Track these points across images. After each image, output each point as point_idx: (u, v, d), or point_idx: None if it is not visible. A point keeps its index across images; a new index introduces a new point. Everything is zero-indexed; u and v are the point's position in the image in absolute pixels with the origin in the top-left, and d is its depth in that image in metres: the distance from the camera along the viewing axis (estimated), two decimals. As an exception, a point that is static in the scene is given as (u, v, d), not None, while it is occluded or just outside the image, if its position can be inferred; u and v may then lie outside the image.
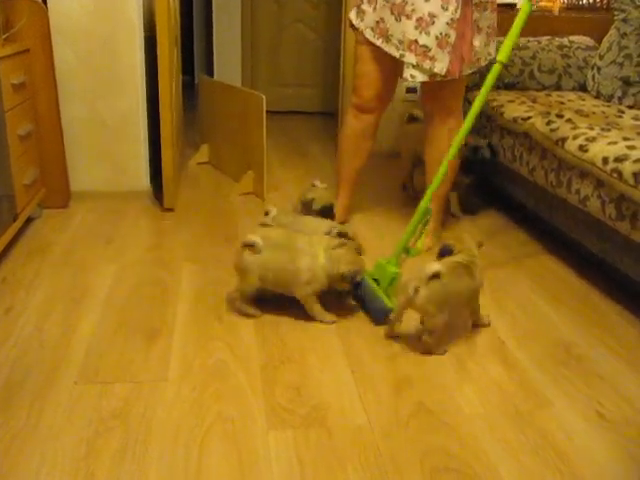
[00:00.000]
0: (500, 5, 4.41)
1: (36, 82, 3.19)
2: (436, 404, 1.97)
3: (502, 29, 4.26)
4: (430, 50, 2.75)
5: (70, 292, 2.56)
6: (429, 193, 2.52)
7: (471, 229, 3.35)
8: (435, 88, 2.95)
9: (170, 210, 3.43)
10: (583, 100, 3.57)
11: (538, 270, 2.90)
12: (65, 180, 3.42)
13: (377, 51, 2.92)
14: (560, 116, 3.00)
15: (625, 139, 2.60)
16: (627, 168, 2.40)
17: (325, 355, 2.20)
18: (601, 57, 3.72)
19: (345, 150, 3.29)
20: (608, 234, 2.57)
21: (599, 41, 3.89)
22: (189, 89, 5.96)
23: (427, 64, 2.78)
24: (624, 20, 3.63)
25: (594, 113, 3.17)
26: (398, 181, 4.00)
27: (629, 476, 1.71)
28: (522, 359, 2.23)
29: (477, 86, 3.59)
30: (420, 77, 2.82)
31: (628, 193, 2.38)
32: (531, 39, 3.99)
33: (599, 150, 2.58)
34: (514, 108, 3.33)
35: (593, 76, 3.76)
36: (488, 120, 3.52)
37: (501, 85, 3.81)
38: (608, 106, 3.43)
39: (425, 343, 2.21)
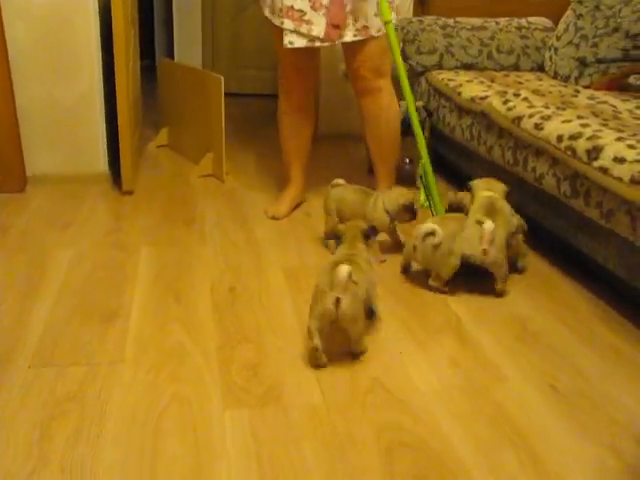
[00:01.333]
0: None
1: (-12, 64, 3.13)
2: (391, 380, 1.98)
3: (459, 10, 4.30)
4: (305, 14, 2.78)
5: (26, 276, 2.53)
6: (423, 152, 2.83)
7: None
8: (354, 53, 2.94)
9: (129, 193, 3.40)
10: (540, 80, 3.60)
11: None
12: (21, 164, 3.37)
13: (276, 27, 2.91)
14: (517, 95, 3.02)
15: (579, 117, 2.63)
16: (581, 145, 2.42)
17: (282, 334, 2.20)
18: (558, 38, 3.75)
19: (287, 136, 3.28)
20: (563, 211, 2.60)
21: (557, 22, 3.92)
22: (150, 73, 5.89)
23: (304, 28, 2.79)
24: (579, 1, 3.66)
25: (550, 93, 3.20)
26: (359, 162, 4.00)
27: (582, 447, 1.74)
28: (477, 334, 2.25)
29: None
30: (299, 42, 2.82)
31: (582, 170, 2.40)
32: (489, 20, 4.01)
33: (554, 128, 2.60)
34: (472, 88, 3.34)
35: (550, 57, 3.78)
36: (447, 100, 3.53)
37: (459, 65, 3.83)
38: (565, 86, 3.46)
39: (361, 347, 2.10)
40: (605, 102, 3.03)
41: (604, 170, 2.29)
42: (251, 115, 5.33)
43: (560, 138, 2.53)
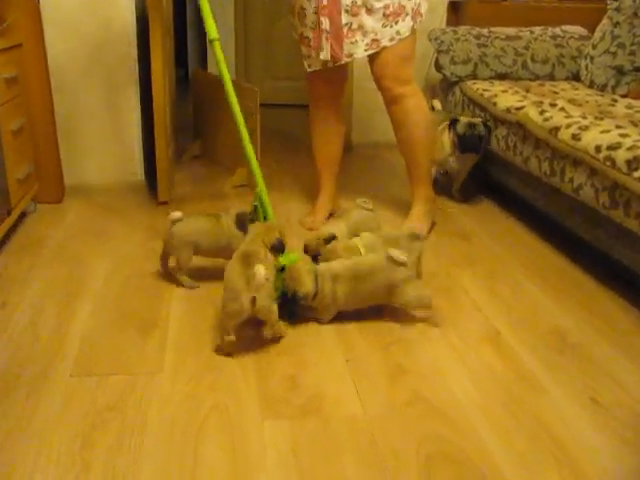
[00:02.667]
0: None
1: (29, 76, 3.18)
2: (431, 392, 1.97)
3: (494, 19, 4.28)
4: (311, 40, 2.91)
5: (64, 286, 2.56)
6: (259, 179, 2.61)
7: (464, 217, 3.35)
8: (371, 69, 2.98)
9: (164, 203, 3.43)
10: (576, 89, 3.58)
11: (532, 258, 2.90)
12: (59, 175, 3.42)
13: None
14: (553, 105, 3.00)
15: (618, 127, 2.60)
16: (620, 156, 2.40)
17: (320, 347, 2.20)
18: (594, 46, 3.72)
19: (316, 140, 3.31)
20: (601, 222, 2.57)
21: (592, 30, 3.89)
22: (183, 82, 5.94)
23: (314, 53, 2.92)
24: (617, 9, 3.63)
25: (587, 102, 3.17)
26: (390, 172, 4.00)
27: (623, 460, 1.72)
28: (516, 346, 2.23)
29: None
30: (314, 66, 2.97)
31: (621, 181, 2.38)
32: (524, 29, 3.99)
33: (592, 138, 2.58)
34: (507, 98, 3.33)
35: (586, 66, 3.76)
36: (482, 110, 3.52)
37: (494, 75, 3.81)
38: (601, 95, 3.43)
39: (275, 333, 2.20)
40: (643, 111, 3.00)
41: (645, 181, 2.27)
42: (284, 125, 5.35)
43: (598, 148, 2.51)
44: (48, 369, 2.04)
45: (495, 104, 3.36)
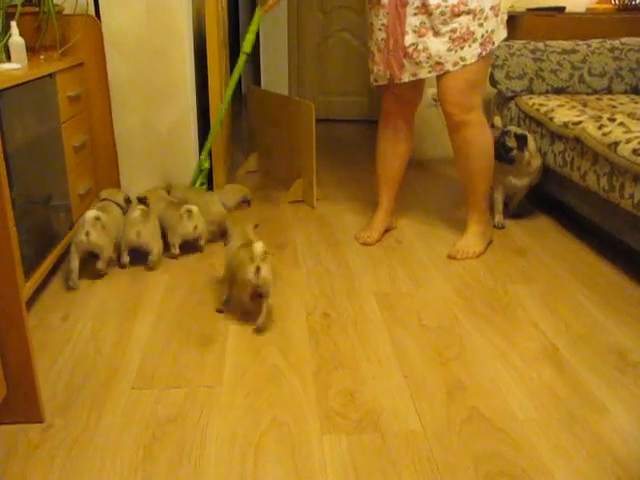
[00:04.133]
0: (549, 9, 4.41)
1: (90, 94, 3.27)
2: (489, 409, 1.96)
3: (549, 32, 4.25)
4: (375, 56, 2.97)
5: (125, 300, 2.61)
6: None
7: (520, 234, 3.32)
8: (447, 89, 2.89)
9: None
10: (636, 103, 3.53)
11: (590, 275, 2.86)
12: (119, 189, 3.48)
13: None
14: (612, 120, 2.96)
15: (680, 142, 2.57)
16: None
17: (377, 360, 2.21)
18: (653, 59, 3.67)
19: (380, 156, 3.34)
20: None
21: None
22: (237, 98, 6.01)
23: (377, 69, 2.98)
24: (676, 21, 3.58)
25: (647, 116, 3.13)
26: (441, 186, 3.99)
27: (689, 483, 1.69)
28: (575, 364, 2.20)
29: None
30: (380, 81, 3.00)
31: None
32: (580, 42, 3.96)
33: (652, 153, 2.54)
34: (564, 113, 3.30)
35: (645, 79, 3.71)
36: (538, 125, 3.50)
37: (550, 90, 3.78)
38: (661, 108, 3.38)
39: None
40: None
41: None
42: (338, 140, 5.39)
43: (660, 163, 2.48)
44: (110, 381, 2.08)
45: (552, 119, 3.33)
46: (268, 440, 1.81)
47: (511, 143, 3.31)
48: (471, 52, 2.78)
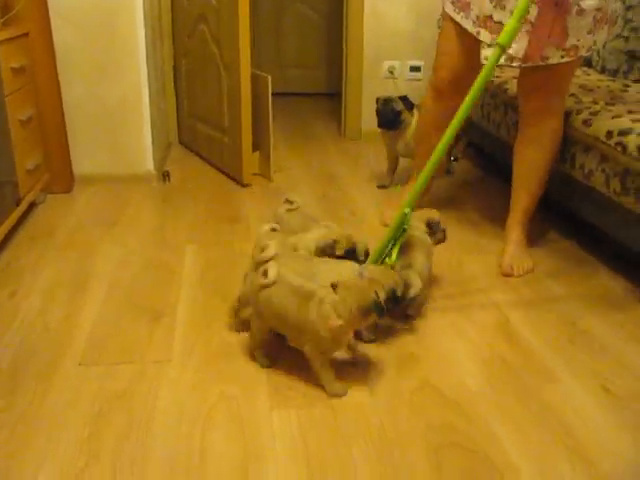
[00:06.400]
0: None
1: (36, 66, 3.17)
2: (440, 380, 1.96)
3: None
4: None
5: (74, 276, 2.56)
6: (410, 197, 2.20)
7: (472, 201, 3.33)
8: (528, 78, 2.59)
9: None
10: (588, 75, 3.54)
11: (543, 246, 2.88)
12: (68, 165, 3.42)
13: (458, 27, 2.62)
14: (566, 91, 2.96)
15: (630, 112, 2.58)
16: (632, 141, 2.37)
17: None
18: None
19: (422, 135, 3.02)
20: (613, 208, 2.55)
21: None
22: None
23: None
24: (629, -8, 3.58)
25: (599, 88, 3.14)
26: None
27: (636, 448, 1.70)
28: (527, 335, 2.21)
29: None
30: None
31: (632, 167, 2.36)
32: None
33: (603, 124, 2.55)
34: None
35: (598, 51, 3.71)
36: (492, 97, 3.49)
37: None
38: (613, 80, 3.39)
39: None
40: (656, 97, 2.96)
41: (656, 166, 2.24)
42: (295, 114, 5.34)
43: (610, 134, 2.48)
44: (57, 358, 2.04)
45: (506, 91, 3.32)
46: (217, 415, 1.79)
47: (400, 106, 3.36)
48: (603, 35, 2.47)
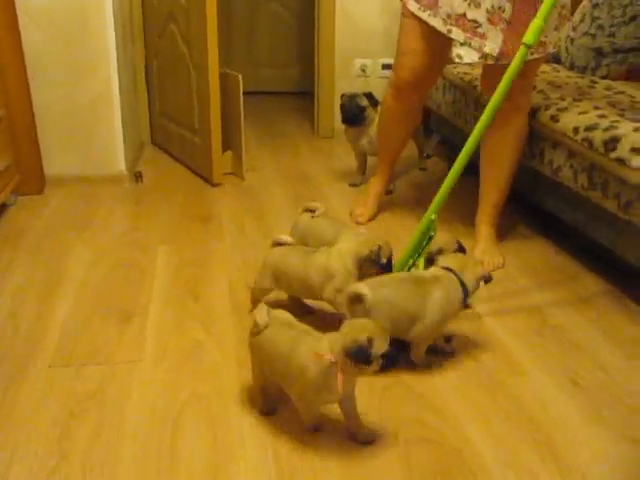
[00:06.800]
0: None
1: (5, 66, 3.15)
2: (410, 376, 1.97)
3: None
4: (480, 26, 2.41)
5: (45, 277, 2.55)
6: (435, 202, 2.18)
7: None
8: (496, 75, 2.43)
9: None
10: (557, 72, 3.57)
11: (513, 242, 2.90)
12: (39, 166, 3.39)
13: (423, 26, 2.56)
14: (532, 87, 2.99)
15: (596, 108, 2.61)
16: (597, 137, 2.40)
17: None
18: (574, 29, 3.71)
19: (384, 132, 3.10)
20: (581, 203, 2.58)
21: (573, 13, 3.88)
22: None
23: (476, 42, 2.44)
24: (596, -10, 3.62)
25: (567, 84, 3.17)
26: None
27: (601, 440, 1.73)
28: (497, 329, 2.23)
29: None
30: (468, 58, 2.53)
31: (599, 162, 2.38)
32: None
33: (570, 120, 2.58)
34: (488, 81, 3.31)
35: (567, 48, 3.75)
36: (462, 94, 3.52)
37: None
38: (581, 77, 3.42)
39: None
40: (622, 92, 3.00)
41: (621, 161, 2.27)
42: (267, 113, 5.33)
43: (576, 130, 2.51)
44: (27, 360, 2.03)
45: (476, 87, 3.35)
46: (187, 414, 1.80)
47: (364, 102, 3.39)
48: (564, 32, 2.52)
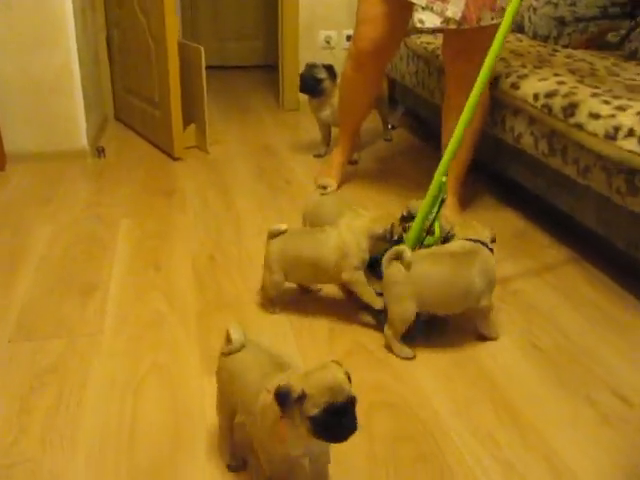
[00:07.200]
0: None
1: (-40, 40, 3.09)
2: (372, 343, 1.99)
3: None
4: None
5: (6, 253, 2.52)
6: (443, 164, 2.11)
7: (404, 165, 3.35)
8: (457, 42, 2.59)
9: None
10: (520, 41, 3.57)
11: (477, 210, 2.92)
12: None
13: None
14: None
15: (556, 75, 2.62)
16: (557, 103, 2.41)
17: (262, 302, 2.20)
18: (537, -3, 3.72)
19: (344, 103, 3.06)
20: (542, 170, 2.59)
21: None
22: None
23: (438, 6, 2.41)
24: (558, -41, 3.62)
25: (529, 53, 3.18)
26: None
27: (559, 400, 1.75)
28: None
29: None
30: (430, 22, 2.45)
31: (558, 128, 2.40)
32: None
33: (530, 87, 2.59)
34: (450, 50, 3.31)
35: (529, 17, 3.75)
36: (426, 63, 3.51)
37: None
38: (544, 46, 3.43)
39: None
40: (583, 60, 3.01)
41: (579, 127, 2.28)
42: (233, 87, 5.29)
43: (537, 96, 2.52)
44: (-14, 335, 2.01)
45: (438, 57, 3.34)
46: (148, 383, 1.79)
47: (321, 74, 3.39)
48: None
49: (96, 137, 3.74)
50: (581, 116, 2.29)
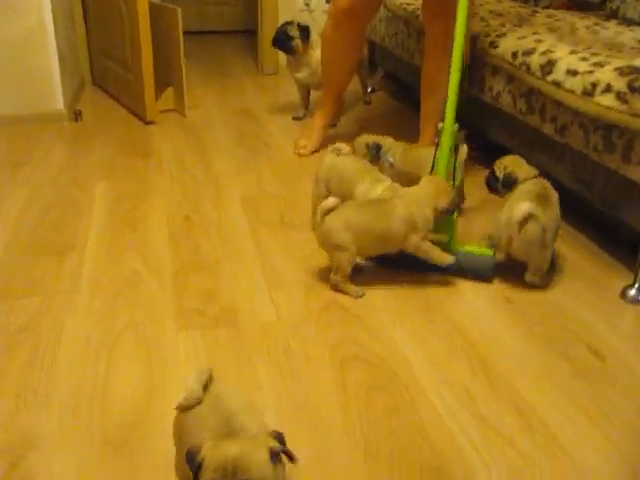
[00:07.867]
0: None
1: None
2: (347, 299, 1.99)
3: None
4: None
5: (-21, 215, 2.50)
6: (449, 112, 2.13)
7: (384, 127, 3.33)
8: (436, 3, 2.64)
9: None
10: (500, 2, 3.55)
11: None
12: (-27, 105, 3.30)
13: None
14: (473, 15, 2.97)
15: (534, 34, 2.60)
16: (535, 61, 2.40)
17: (239, 260, 2.19)
18: (517, -43, 3.69)
19: (326, 63, 3.03)
20: (520, 129, 2.59)
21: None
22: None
23: None
24: None
25: (509, 12, 3.16)
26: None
27: (531, 355, 1.76)
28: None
29: None
30: None
31: (536, 85, 2.39)
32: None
33: (509, 45, 2.57)
34: (430, 11, 3.28)
35: (510, -22, 3.73)
36: (405, 24, 3.48)
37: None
38: (524, 7, 3.41)
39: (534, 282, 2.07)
40: (563, 19, 3.00)
41: (557, 84, 2.27)
42: (213, 52, 5.24)
43: (515, 54, 2.51)
44: (-40, 296, 2.00)
45: (418, 17, 3.31)
46: (123, 341, 1.79)
47: (293, 32, 3.39)
48: None
49: (73, 100, 3.70)
50: (559, 73, 2.27)
